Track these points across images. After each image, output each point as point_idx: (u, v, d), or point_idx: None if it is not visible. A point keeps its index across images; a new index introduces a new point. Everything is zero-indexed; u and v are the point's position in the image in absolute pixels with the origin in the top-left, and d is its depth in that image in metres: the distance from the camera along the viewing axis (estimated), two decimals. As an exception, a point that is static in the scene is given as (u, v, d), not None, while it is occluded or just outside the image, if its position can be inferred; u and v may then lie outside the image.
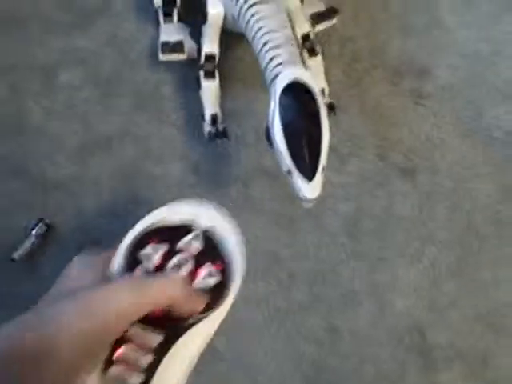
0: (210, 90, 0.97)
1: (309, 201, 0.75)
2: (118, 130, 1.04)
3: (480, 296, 1.01)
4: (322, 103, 0.75)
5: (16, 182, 1.03)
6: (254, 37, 0.82)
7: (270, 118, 0.76)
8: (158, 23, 1.04)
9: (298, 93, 0.75)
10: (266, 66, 0.79)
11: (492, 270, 1.02)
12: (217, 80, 0.97)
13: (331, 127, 0.76)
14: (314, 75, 0.88)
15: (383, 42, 1.10)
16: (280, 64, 0.77)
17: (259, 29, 0.82)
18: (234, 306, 0.53)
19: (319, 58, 0.98)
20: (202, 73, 0.96)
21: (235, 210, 0.53)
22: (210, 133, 1.00)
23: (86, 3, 1.09)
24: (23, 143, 1.04)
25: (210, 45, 0.95)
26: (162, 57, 1.02)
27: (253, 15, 0.83)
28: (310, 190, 0.74)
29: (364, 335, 0.99)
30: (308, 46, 0.96)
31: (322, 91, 0.99)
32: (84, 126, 1.05)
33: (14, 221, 1.01)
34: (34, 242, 1.00)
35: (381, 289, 1.01)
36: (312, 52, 0.97)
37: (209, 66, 0.96)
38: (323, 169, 0.75)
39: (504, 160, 1.07)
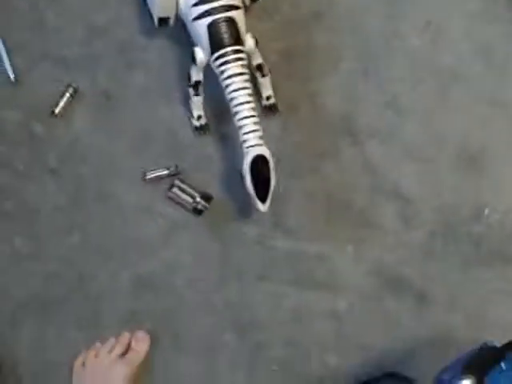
0: (196, 100, 1.45)
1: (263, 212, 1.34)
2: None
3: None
4: (271, 163, 1.30)
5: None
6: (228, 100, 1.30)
7: (244, 172, 1.30)
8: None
9: (259, 158, 1.29)
10: (240, 135, 1.30)
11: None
12: (201, 95, 1.44)
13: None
14: (264, 88, 1.44)
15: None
16: (249, 145, 1.29)
17: (232, 99, 1.29)
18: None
19: (268, 77, 1.46)
20: (190, 90, 1.43)
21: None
22: (196, 127, 1.48)
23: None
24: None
25: (196, 75, 1.40)
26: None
27: (227, 86, 1.30)
28: (264, 208, 1.32)
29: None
30: (261, 70, 1.44)
31: (269, 97, 1.48)
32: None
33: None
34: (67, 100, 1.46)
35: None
36: (263, 75, 1.45)
37: (195, 88, 1.42)
38: (271, 196, 1.29)
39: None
